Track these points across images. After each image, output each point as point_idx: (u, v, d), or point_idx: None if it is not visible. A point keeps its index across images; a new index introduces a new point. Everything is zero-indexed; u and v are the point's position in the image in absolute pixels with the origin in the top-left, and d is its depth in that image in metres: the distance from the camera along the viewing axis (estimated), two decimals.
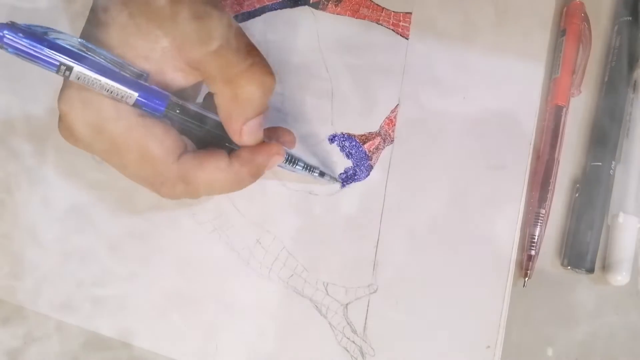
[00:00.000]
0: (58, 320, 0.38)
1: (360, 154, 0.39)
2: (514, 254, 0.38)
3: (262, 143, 0.33)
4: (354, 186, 0.39)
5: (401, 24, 0.40)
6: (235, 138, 0.32)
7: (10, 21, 0.28)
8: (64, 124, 0.31)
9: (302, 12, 0.40)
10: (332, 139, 0.39)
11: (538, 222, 0.39)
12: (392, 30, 0.40)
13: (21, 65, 0.29)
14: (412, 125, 0.39)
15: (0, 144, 0.39)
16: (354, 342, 0.38)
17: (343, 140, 0.39)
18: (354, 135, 0.39)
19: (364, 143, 0.39)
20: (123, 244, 0.39)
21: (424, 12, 0.40)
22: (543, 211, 0.39)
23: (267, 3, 0.40)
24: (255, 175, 0.34)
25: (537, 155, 0.39)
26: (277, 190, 0.39)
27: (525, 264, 0.39)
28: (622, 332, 0.38)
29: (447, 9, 0.40)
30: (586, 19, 0.40)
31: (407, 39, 0.40)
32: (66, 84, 0.30)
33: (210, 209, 0.39)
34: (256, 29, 0.40)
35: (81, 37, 0.30)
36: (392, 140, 0.39)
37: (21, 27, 0.28)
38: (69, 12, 0.40)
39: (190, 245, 0.38)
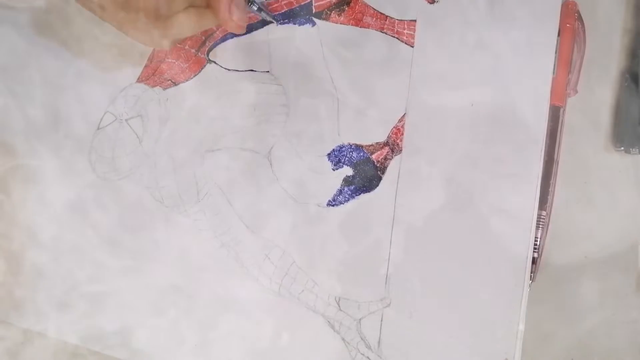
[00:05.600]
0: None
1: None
2: (529, 263, 0.37)
3: None
4: (364, 198, 0.38)
5: (406, 31, 0.39)
6: None
7: None
8: None
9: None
10: (339, 150, 0.39)
11: (540, 225, 0.38)
12: (397, 38, 0.39)
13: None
14: (420, 134, 0.38)
15: None
16: (368, 357, 0.37)
17: (351, 151, 0.39)
18: (362, 146, 0.39)
19: (372, 154, 0.39)
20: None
21: (428, 19, 0.39)
22: (544, 213, 0.38)
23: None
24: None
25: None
26: (286, 205, 0.38)
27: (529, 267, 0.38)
28: (622, 331, 0.38)
29: (450, 15, 0.39)
30: (580, 19, 0.39)
31: (412, 46, 0.39)
32: None
33: (218, 223, 0.38)
34: (260, 40, 0.40)
35: None
36: (401, 150, 0.38)
37: None
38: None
39: (198, 262, 0.38)
